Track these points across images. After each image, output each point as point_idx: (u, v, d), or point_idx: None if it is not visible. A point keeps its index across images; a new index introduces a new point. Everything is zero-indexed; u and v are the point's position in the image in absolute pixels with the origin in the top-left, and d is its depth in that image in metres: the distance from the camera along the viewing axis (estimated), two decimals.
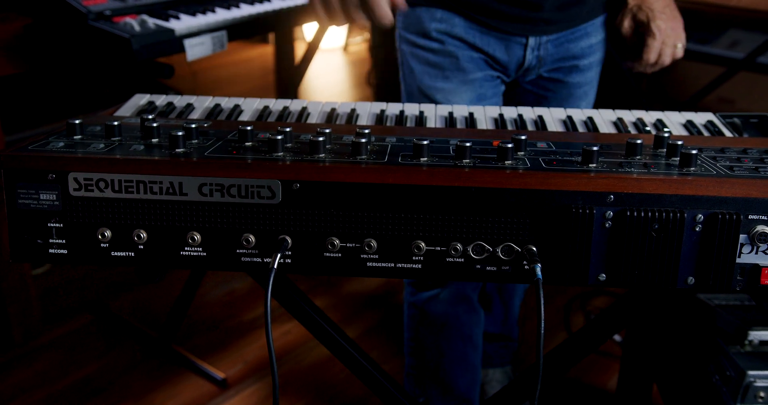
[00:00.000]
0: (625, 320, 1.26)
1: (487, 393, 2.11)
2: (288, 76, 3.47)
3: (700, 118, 1.31)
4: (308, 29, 4.47)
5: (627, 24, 1.62)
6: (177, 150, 0.98)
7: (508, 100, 1.74)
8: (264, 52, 5.31)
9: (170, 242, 0.97)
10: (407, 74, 1.67)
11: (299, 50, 3.51)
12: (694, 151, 0.96)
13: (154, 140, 1.01)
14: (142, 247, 0.97)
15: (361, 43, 5.69)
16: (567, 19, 1.60)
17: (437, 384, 1.84)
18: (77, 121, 1.03)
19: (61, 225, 0.96)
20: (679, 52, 1.61)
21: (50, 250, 0.97)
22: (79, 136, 1.02)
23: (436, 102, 1.60)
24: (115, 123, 1.03)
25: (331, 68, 5.37)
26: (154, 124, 1.02)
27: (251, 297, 2.67)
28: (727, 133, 1.25)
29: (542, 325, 0.88)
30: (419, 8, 1.60)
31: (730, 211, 0.91)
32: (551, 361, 1.25)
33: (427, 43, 1.61)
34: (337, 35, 5.50)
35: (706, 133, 1.25)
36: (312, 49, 2.88)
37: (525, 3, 1.54)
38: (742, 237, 0.92)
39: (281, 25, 2.38)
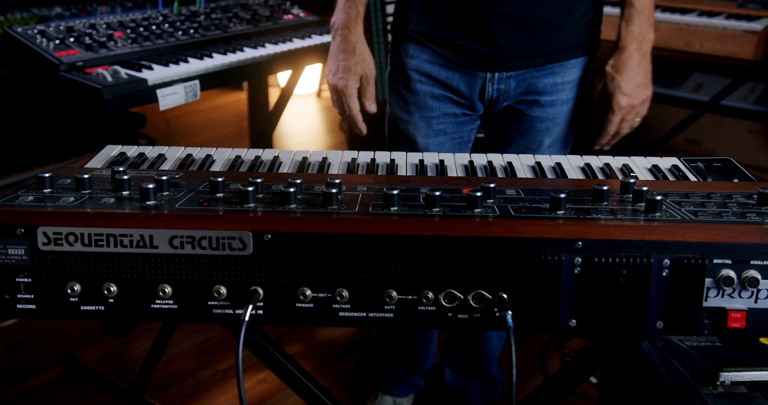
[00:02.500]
0: (600, 362, 1.26)
1: None
2: (262, 122, 3.48)
3: (665, 162, 1.34)
4: (282, 76, 4.52)
5: (598, 88, 1.72)
6: (148, 202, 0.98)
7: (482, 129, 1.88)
8: (238, 99, 5.34)
9: (141, 295, 0.96)
10: (389, 99, 1.84)
11: (273, 96, 3.53)
12: (659, 197, 0.98)
13: (125, 193, 1.01)
14: (112, 300, 0.96)
15: None
16: (526, 58, 1.67)
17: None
18: (47, 175, 1.03)
19: (30, 280, 0.95)
20: (636, 123, 1.72)
21: (18, 306, 0.96)
22: (49, 190, 1.02)
23: (401, 129, 1.80)
24: (86, 176, 1.03)
25: (305, 114, 5.41)
26: (125, 177, 1.02)
27: (225, 346, 2.63)
28: (692, 178, 1.27)
29: (514, 372, 0.88)
30: (398, 42, 1.77)
31: (695, 256, 0.93)
32: None
33: (400, 76, 1.76)
34: (310, 81, 5.56)
35: (671, 178, 1.28)
36: (285, 95, 2.91)
37: (484, 42, 1.65)
38: (708, 281, 0.94)
39: (254, 74, 2.40)
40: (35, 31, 1.99)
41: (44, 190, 1.02)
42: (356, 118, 1.74)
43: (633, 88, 1.66)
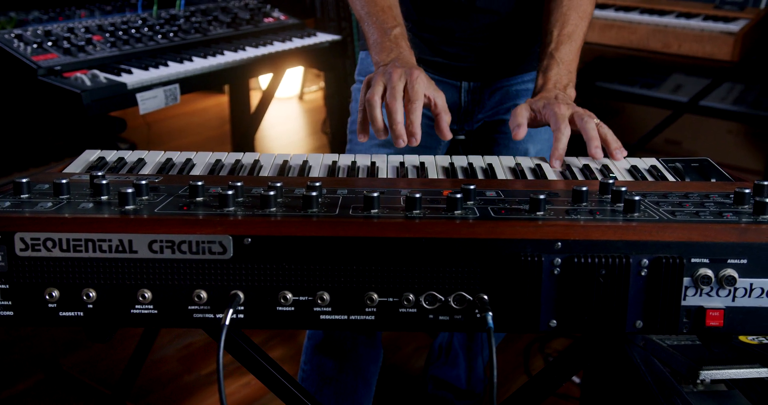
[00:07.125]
0: (582, 362, 1.27)
1: None
2: (244, 125, 3.48)
3: (644, 163, 1.35)
4: (263, 79, 4.52)
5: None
6: (127, 207, 0.97)
7: (468, 152, 1.82)
8: (220, 102, 5.32)
9: (120, 301, 0.95)
10: (352, 113, 1.77)
11: (254, 99, 3.52)
12: (637, 197, 0.99)
13: (104, 197, 1.01)
14: (91, 306, 0.96)
15: (316, 91, 5.74)
16: (498, 69, 1.70)
17: None
18: (24, 180, 1.02)
19: (7, 286, 0.94)
20: (597, 122, 1.36)
21: None
22: (27, 195, 1.01)
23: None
24: (63, 181, 1.02)
25: (287, 117, 5.39)
26: (104, 182, 1.02)
27: (209, 350, 2.62)
28: (670, 178, 1.28)
29: (495, 373, 0.88)
30: (368, 53, 1.70)
31: (673, 256, 0.93)
32: None
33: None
34: (292, 84, 5.55)
35: (650, 178, 1.29)
36: (267, 98, 2.91)
37: (455, 59, 1.66)
38: (686, 280, 0.94)
39: (235, 77, 2.39)
40: (12, 35, 1.97)
41: (21, 196, 1.01)
42: (416, 121, 1.29)
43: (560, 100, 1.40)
